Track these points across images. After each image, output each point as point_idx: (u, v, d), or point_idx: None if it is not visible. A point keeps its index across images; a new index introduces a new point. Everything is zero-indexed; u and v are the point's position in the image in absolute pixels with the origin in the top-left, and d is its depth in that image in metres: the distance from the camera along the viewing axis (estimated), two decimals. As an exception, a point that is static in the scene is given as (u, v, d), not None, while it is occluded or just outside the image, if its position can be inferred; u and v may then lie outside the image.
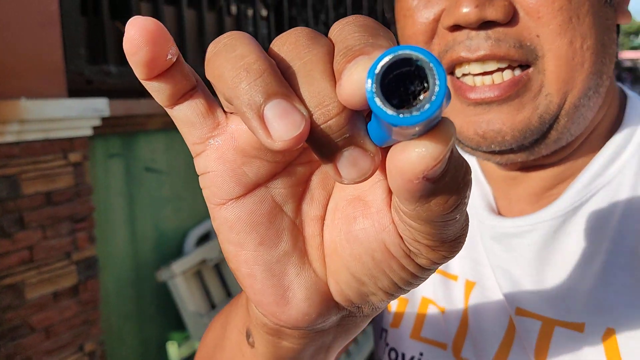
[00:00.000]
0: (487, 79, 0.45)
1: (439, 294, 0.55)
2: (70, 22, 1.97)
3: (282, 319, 0.27)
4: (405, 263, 0.25)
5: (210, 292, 2.48)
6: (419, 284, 0.27)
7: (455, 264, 0.55)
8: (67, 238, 1.89)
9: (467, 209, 0.29)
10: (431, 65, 0.19)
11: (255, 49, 0.23)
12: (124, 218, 2.29)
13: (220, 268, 2.53)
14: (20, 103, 1.72)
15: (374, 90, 0.19)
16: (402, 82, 0.19)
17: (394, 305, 0.57)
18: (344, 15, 4.04)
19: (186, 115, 0.26)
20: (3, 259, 1.69)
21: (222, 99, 0.24)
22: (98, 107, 1.95)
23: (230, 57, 0.22)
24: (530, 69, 0.44)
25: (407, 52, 0.19)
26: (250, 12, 3.14)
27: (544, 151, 0.48)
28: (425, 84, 0.19)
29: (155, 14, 2.43)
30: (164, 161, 2.49)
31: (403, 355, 0.54)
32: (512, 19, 0.44)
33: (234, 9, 3.01)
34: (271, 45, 0.24)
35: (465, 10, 0.42)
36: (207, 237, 2.70)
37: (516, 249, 0.51)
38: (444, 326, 0.54)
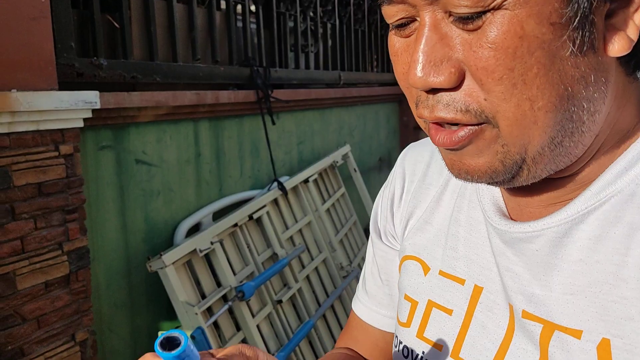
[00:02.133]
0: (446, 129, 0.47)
1: (444, 297, 0.58)
2: (61, 15, 1.99)
3: None
4: None
5: (201, 283, 2.50)
6: None
7: (463, 268, 0.57)
8: (58, 229, 1.91)
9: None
10: (180, 338, 0.41)
11: None
12: (114, 209, 2.31)
13: (210, 258, 2.56)
14: (12, 94, 1.74)
15: (156, 347, 0.41)
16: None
17: (407, 306, 0.61)
18: (332, 11, 4.06)
19: None
20: (-5, 249, 1.71)
21: None
22: (89, 99, 1.96)
23: None
24: (484, 125, 0.45)
25: (170, 334, 0.41)
26: (239, 7, 3.16)
27: (532, 181, 0.48)
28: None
29: (146, 8, 2.45)
30: (154, 153, 2.51)
31: (412, 351, 0.58)
32: (460, 84, 0.44)
33: (223, 4, 3.03)
34: None
35: (413, 76, 0.44)
36: (197, 228, 2.73)
37: (525, 253, 0.52)
38: (445, 328, 0.57)
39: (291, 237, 3.24)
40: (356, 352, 0.76)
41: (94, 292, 2.13)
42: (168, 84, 2.56)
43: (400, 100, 5.38)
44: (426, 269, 0.61)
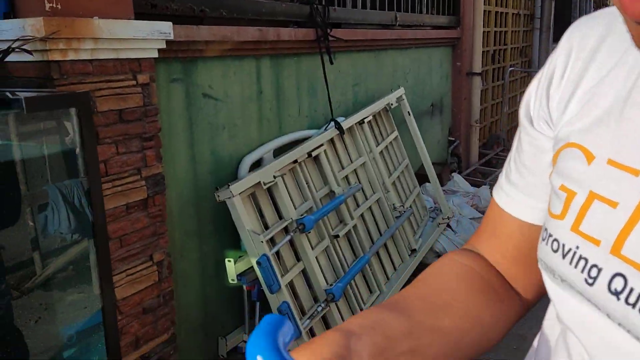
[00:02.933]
0: None
1: (610, 188, 0.51)
2: (135, -54, 2.02)
3: None
4: None
5: (264, 215, 2.60)
6: None
7: (638, 157, 0.50)
8: (137, 155, 2.01)
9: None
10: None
11: None
12: (184, 141, 2.40)
13: (272, 192, 2.64)
14: (94, 21, 1.80)
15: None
16: None
17: (562, 197, 0.55)
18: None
19: None
20: (82, 170, 1.82)
21: None
22: (163, 29, 2.02)
23: None
24: None
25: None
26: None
27: None
28: None
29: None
30: (220, 89, 2.57)
31: (563, 246, 0.53)
32: None
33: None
34: None
35: None
36: (259, 164, 2.81)
37: None
38: (607, 222, 0.50)
39: (346, 177, 3.29)
40: (480, 256, 0.71)
41: (167, 219, 2.25)
42: (233, 19, 2.59)
43: (454, 45, 5.27)
44: (590, 157, 0.54)
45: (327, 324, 2.73)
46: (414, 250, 3.65)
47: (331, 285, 2.74)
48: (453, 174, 5.01)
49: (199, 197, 2.50)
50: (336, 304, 2.74)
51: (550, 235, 0.55)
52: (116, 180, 1.95)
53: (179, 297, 2.37)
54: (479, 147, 5.85)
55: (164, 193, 2.13)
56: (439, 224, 4.00)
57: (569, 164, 0.55)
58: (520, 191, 0.66)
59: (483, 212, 4.31)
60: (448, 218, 4.07)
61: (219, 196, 2.38)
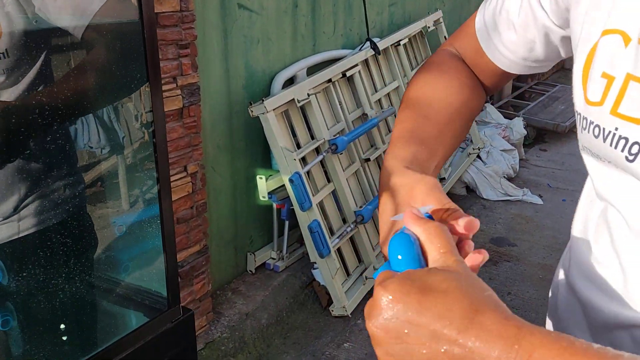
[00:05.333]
0: None
1: None
2: None
3: None
4: None
5: (297, 134, 2.56)
6: None
7: None
8: (173, 62, 1.96)
9: None
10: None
11: None
12: (219, 52, 2.33)
13: (305, 111, 2.59)
14: None
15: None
16: None
17: (602, 84, 0.56)
18: None
19: None
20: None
21: None
22: None
23: None
24: None
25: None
26: None
27: None
28: None
29: None
30: (255, 0, 2.47)
31: (604, 129, 0.55)
32: None
33: None
34: None
35: None
36: (291, 82, 2.74)
37: None
38: None
39: (379, 100, 3.21)
40: (461, 61, 0.77)
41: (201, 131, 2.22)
42: None
43: (495, -32, 4.98)
44: (627, 39, 0.54)
45: (354, 245, 2.75)
46: (442, 179, 3.61)
47: (361, 207, 2.74)
48: (486, 104, 4.89)
49: (232, 112, 2.46)
50: (364, 226, 2.74)
51: (591, 123, 0.57)
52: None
53: (211, 210, 2.39)
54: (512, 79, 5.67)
55: (199, 104, 2.10)
56: (469, 154, 3.94)
57: (608, 50, 0.56)
58: (502, 43, 0.71)
59: (514, 145, 4.21)
60: (479, 149, 4.00)
61: (252, 111, 2.34)
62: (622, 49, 0.55)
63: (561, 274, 0.72)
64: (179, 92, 2.00)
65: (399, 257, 0.44)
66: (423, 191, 0.54)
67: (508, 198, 3.80)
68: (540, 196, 3.86)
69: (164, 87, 1.94)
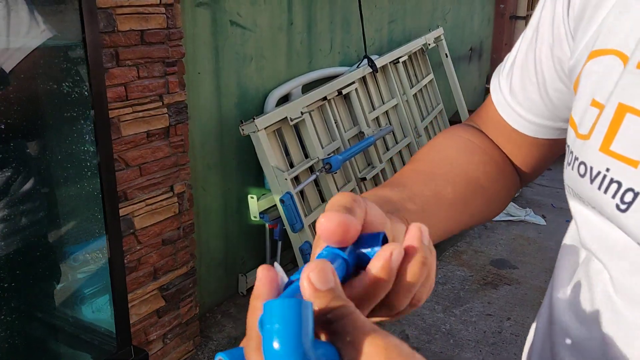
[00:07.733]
0: None
1: None
2: None
3: None
4: None
5: (290, 153, 2.50)
6: None
7: None
8: (159, 80, 1.91)
9: None
10: None
11: None
12: (209, 69, 2.29)
13: (299, 130, 2.54)
14: None
15: None
16: None
17: (588, 113, 0.48)
18: None
19: None
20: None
21: None
22: (189, -55, 1.88)
23: None
24: None
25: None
26: None
27: None
28: None
29: None
30: (249, 16, 2.43)
31: (591, 169, 0.46)
32: None
33: None
34: None
35: None
36: (286, 99, 2.69)
37: None
38: None
39: (377, 118, 3.16)
40: (480, 131, 0.66)
41: (189, 150, 2.17)
42: (265, -60, 2.42)
43: (498, -15, 4.95)
44: (625, 60, 0.45)
45: (349, 267, 2.67)
46: (442, 199, 3.53)
47: (355, 228, 2.67)
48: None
49: (223, 130, 2.41)
50: (359, 248, 2.66)
51: (576, 159, 0.49)
52: (137, 106, 1.86)
53: (199, 231, 2.33)
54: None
55: (186, 123, 2.05)
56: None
57: (601, 73, 0.47)
58: (519, 104, 0.61)
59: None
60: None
61: (243, 130, 2.29)
62: (615, 74, 0.46)
63: (540, 332, 0.61)
64: (165, 110, 1.96)
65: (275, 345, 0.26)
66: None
67: (510, 218, 3.71)
68: (543, 216, 3.77)
69: (150, 105, 1.90)
